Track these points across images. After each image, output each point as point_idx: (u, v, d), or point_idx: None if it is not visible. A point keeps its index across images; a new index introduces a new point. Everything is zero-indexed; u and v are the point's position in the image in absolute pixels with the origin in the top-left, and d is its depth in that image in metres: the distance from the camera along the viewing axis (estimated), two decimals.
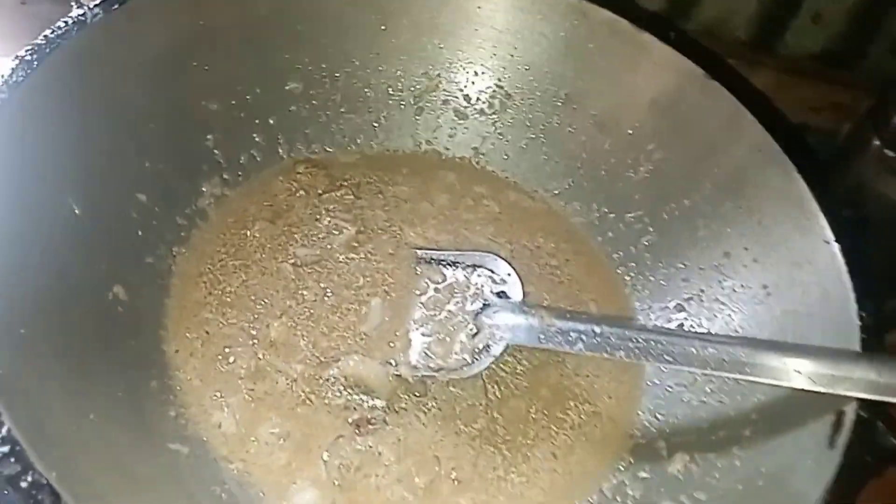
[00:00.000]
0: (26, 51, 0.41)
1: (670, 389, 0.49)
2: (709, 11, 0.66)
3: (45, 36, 0.42)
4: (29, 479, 0.28)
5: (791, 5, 0.66)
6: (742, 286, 0.50)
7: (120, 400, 0.40)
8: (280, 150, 0.56)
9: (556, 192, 0.59)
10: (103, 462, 0.34)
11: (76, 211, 0.42)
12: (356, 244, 0.53)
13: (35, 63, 0.41)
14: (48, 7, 0.76)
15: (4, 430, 0.29)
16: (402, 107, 0.59)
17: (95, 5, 0.45)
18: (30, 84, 0.40)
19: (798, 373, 0.40)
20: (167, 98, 0.50)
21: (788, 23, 0.68)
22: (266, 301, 0.49)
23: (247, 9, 0.52)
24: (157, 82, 0.49)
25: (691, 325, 0.51)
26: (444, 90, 0.60)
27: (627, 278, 0.55)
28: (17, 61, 0.41)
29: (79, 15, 0.44)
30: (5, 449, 0.28)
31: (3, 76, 0.40)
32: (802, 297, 0.46)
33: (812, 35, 0.66)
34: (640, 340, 0.44)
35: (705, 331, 0.50)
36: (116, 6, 0.45)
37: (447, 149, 0.60)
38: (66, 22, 0.43)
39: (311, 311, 0.49)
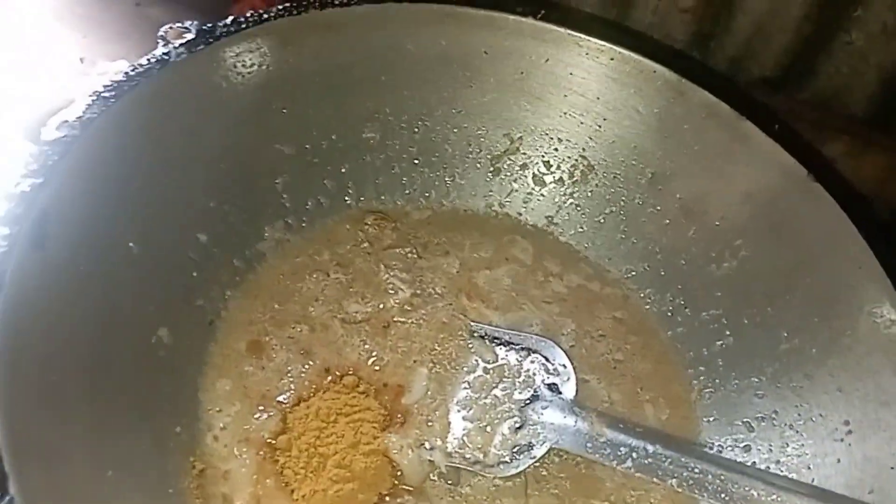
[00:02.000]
0: (105, 87, 0.41)
1: None
2: (825, 82, 0.61)
3: (126, 73, 0.42)
4: None
5: None
6: (821, 416, 0.45)
7: (142, 453, 0.39)
8: (348, 199, 0.55)
9: (630, 274, 0.55)
10: None
11: (134, 250, 0.42)
12: (410, 308, 0.51)
13: (112, 100, 0.41)
14: (160, 10, 0.78)
15: (7, 500, 0.28)
16: (479, 166, 0.57)
17: (181, 44, 0.44)
18: (102, 122, 0.40)
19: None
20: (242, 139, 0.49)
21: None
22: (309, 358, 0.47)
23: (332, 55, 0.51)
24: (233, 124, 0.48)
25: (759, 449, 0.47)
26: (524, 154, 0.57)
27: (696, 382, 0.51)
28: (94, 97, 0.41)
29: (163, 53, 0.44)
30: None
31: (77, 113, 0.40)
32: (889, 443, 0.41)
33: None
34: (697, 470, 0.40)
35: (774, 460, 0.45)
36: (201, 47, 0.45)
37: (520, 214, 0.58)
38: (148, 59, 0.43)
39: (352, 372, 0.47)
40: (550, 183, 0.58)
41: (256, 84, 0.49)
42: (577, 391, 0.47)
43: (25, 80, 0.69)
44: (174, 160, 0.45)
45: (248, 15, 0.47)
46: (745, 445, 0.48)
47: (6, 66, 0.70)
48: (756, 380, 0.49)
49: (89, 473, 0.34)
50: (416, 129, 0.56)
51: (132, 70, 0.43)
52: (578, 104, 0.55)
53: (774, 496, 0.38)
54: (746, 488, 0.39)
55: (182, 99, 0.45)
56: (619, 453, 0.42)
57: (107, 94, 0.41)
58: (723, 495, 0.39)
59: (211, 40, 0.46)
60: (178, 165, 0.46)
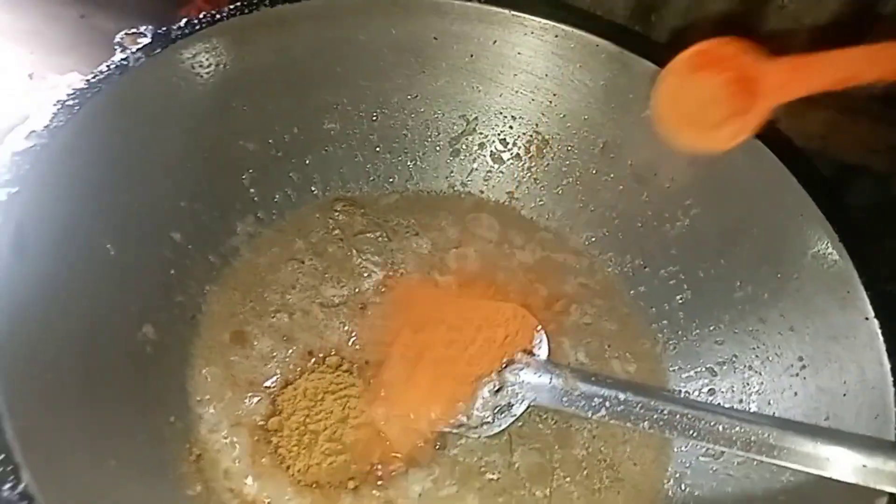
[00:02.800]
0: (68, 95, 0.42)
1: (698, 460, 0.47)
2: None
3: (87, 80, 0.43)
4: None
5: (848, 42, 0.64)
6: (777, 355, 0.48)
7: (141, 444, 0.40)
8: (314, 189, 0.57)
9: (591, 240, 0.58)
10: None
11: (111, 252, 0.43)
12: (384, 288, 0.53)
13: (76, 108, 0.42)
14: (106, 22, 0.78)
15: (21, 487, 0.29)
16: (438, 149, 0.59)
17: (138, 49, 0.45)
18: (69, 130, 0.41)
19: (829, 461, 0.38)
20: (206, 139, 0.50)
21: None
22: (291, 343, 0.49)
23: (285, 52, 0.52)
24: (196, 124, 0.49)
25: (722, 391, 0.50)
26: (481, 133, 0.59)
27: (660, 336, 0.54)
28: (58, 106, 0.41)
29: (121, 59, 0.45)
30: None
31: (44, 122, 0.41)
32: (839, 373, 0.44)
33: None
34: (666, 412, 0.43)
35: (737, 399, 0.49)
36: (158, 50, 0.46)
37: (482, 192, 0.60)
38: (108, 66, 0.44)
39: (335, 353, 0.49)
40: (508, 160, 0.60)
41: (215, 83, 0.50)
42: (549, 352, 0.49)
43: None
44: (142, 163, 0.46)
45: (202, 16, 0.48)
46: (710, 389, 0.51)
47: None
48: (715, 328, 0.52)
49: (92, 464, 0.36)
50: (375, 117, 0.57)
51: (93, 77, 0.43)
52: (528, 82, 0.57)
53: (738, 427, 0.41)
54: (712, 423, 0.42)
55: (144, 102, 0.46)
56: (593, 404, 0.45)
57: (70, 103, 0.42)
58: (691, 432, 0.42)
59: (167, 44, 0.47)
60: (146, 167, 0.47)
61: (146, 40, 0.46)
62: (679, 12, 0.60)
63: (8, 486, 0.29)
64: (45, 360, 0.36)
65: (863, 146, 0.65)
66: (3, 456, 0.30)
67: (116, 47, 0.45)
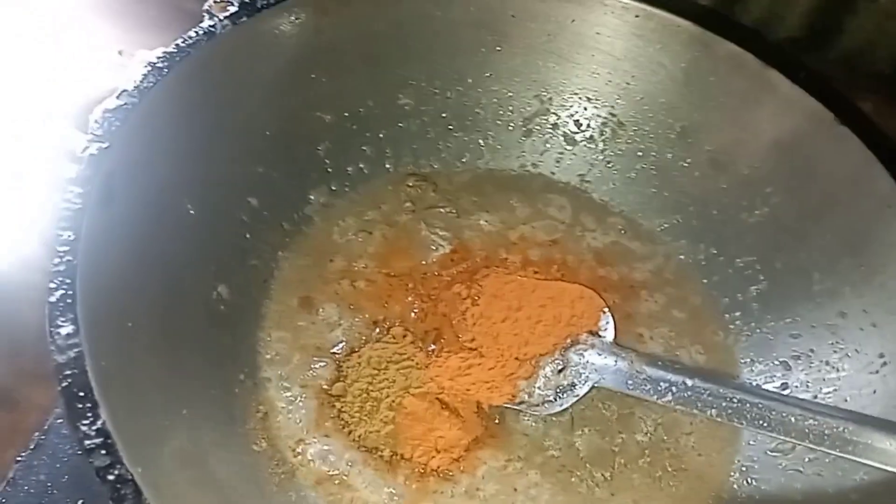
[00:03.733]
0: (158, 58, 0.44)
1: (766, 454, 0.46)
2: (850, 42, 0.61)
3: (176, 44, 0.45)
4: (116, 472, 0.30)
5: None
6: (856, 351, 0.46)
7: (212, 397, 0.42)
8: (387, 164, 0.57)
9: (664, 227, 0.57)
10: (189, 461, 0.36)
11: (191, 211, 0.45)
12: (451, 262, 0.53)
13: (165, 70, 0.43)
14: (195, 2, 0.81)
15: (99, 423, 0.30)
16: (511, 128, 0.59)
17: (225, 17, 0.47)
18: (158, 91, 0.42)
19: None
20: (285, 108, 0.51)
21: None
22: (358, 312, 0.50)
23: (365, 25, 0.53)
24: (276, 93, 0.50)
25: (796, 387, 0.48)
26: (555, 114, 0.59)
27: (732, 327, 0.52)
28: (148, 67, 0.43)
29: (209, 26, 0.46)
30: (98, 441, 0.30)
31: (134, 82, 0.42)
32: None
33: None
34: (735, 401, 0.42)
35: (811, 395, 0.47)
36: (244, 19, 0.47)
37: (553, 173, 0.60)
38: (196, 32, 0.46)
39: (399, 324, 0.50)
40: (581, 141, 0.59)
41: (296, 54, 0.51)
42: (615, 334, 0.48)
43: (67, 72, 0.72)
44: (223, 127, 0.48)
45: None
46: (783, 384, 0.49)
47: (48, 59, 0.73)
48: (791, 321, 0.50)
49: (165, 410, 0.37)
50: (449, 95, 0.57)
51: (182, 42, 0.45)
52: (606, 63, 0.56)
53: (811, 420, 0.40)
54: (784, 414, 0.40)
55: (229, 69, 0.47)
56: (659, 388, 0.44)
57: (160, 66, 0.44)
58: (761, 422, 0.41)
59: (253, 13, 0.48)
60: (227, 132, 0.48)
61: (233, 9, 0.47)
62: (764, 4, 0.58)
63: (86, 422, 0.31)
64: (127, 307, 0.38)
65: None
66: (83, 394, 0.31)
67: (204, 14, 0.47)
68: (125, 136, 0.40)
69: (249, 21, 0.47)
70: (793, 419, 0.40)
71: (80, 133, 0.65)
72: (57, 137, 0.63)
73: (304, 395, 0.46)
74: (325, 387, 0.47)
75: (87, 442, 0.30)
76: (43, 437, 0.49)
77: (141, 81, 0.42)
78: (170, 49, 0.45)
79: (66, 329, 0.33)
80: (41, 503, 0.47)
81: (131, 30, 0.79)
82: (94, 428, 0.30)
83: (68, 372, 0.32)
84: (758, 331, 0.51)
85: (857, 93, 0.58)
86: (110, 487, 0.29)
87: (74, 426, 0.30)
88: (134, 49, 0.75)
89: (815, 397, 0.47)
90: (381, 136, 0.57)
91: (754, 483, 0.46)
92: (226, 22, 0.47)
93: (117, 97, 0.41)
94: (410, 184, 0.56)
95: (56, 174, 0.59)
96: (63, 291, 0.34)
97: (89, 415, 0.31)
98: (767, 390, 0.48)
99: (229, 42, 0.47)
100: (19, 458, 0.49)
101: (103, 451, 0.30)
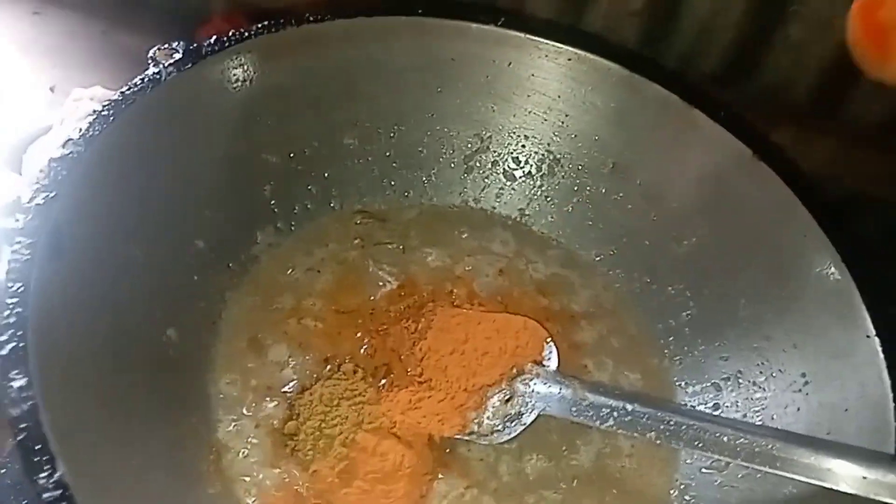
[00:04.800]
0: (103, 105, 0.44)
1: (702, 472, 0.49)
2: (769, 75, 0.66)
3: (122, 92, 0.45)
4: None
5: (855, 71, 0.66)
6: (780, 371, 0.50)
7: (164, 441, 0.42)
8: (332, 202, 0.59)
9: (600, 258, 0.60)
10: None
11: (140, 257, 0.45)
12: (398, 297, 0.55)
13: (111, 118, 0.44)
14: (128, 39, 0.81)
15: (57, 476, 0.30)
16: (453, 165, 0.61)
17: (170, 63, 0.47)
18: (104, 138, 0.43)
19: (830, 472, 0.40)
20: (231, 151, 0.52)
21: (851, 89, 0.68)
22: (308, 350, 0.51)
23: (309, 69, 0.55)
24: (222, 136, 0.51)
25: (727, 406, 0.51)
26: (495, 152, 0.61)
27: (666, 352, 0.55)
28: (94, 116, 0.43)
29: (154, 73, 0.47)
30: (56, 493, 0.30)
31: (80, 129, 0.42)
32: (840, 390, 0.46)
33: (877, 102, 0.65)
34: (672, 423, 0.44)
35: (741, 414, 0.50)
36: (189, 65, 0.48)
37: (494, 208, 0.62)
38: (141, 79, 0.46)
39: (350, 360, 0.51)
40: (520, 177, 0.62)
41: (242, 98, 0.52)
42: (559, 363, 0.51)
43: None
44: (170, 172, 0.48)
45: (231, 33, 0.51)
46: (715, 404, 0.52)
47: None
48: (720, 344, 0.53)
49: (120, 458, 0.37)
50: (392, 134, 0.59)
51: (127, 90, 0.45)
52: (542, 103, 0.59)
53: (742, 438, 0.42)
54: (717, 434, 0.43)
55: (175, 115, 0.48)
56: (602, 414, 0.46)
57: (105, 113, 0.44)
58: (697, 443, 0.43)
59: (197, 59, 0.49)
60: (174, 177, 0.49)
61: (178, 55, 0.48)
62: (687, 41, 0.62)
63: (44, 474, 0.31)
64: (77, 356, 0.38)
65: (867, 175, 0.66)
66: (40, 446, 0.31)
67: (150, 61, 0.47)
68: (72, 185, 0.40)
69: (195, 67, 0.48)
70: (725, 439, 0.43)
71: (13, 174, 0.65)
72: None
73: (256, 436, 0.46)
74: (277, 426, 0.47)
75: (45, 495, 0.30)
76: None
77: (86, 130, 0.43)
78: (114, 97, 0.45)
79: (19, 382, 0.33)
80: None
81: (63, 67, 0.78)
82: (51, 481, 0.30)
83: (23, 425, 0.32)
84: (690, 355, 0.54)
85: (778, 123, 0.62)
86: None
87: (32, 479, 0.30)
88: (66, 86, 0.75)
89: (745, 415, 0.50)
90: (326, 175, 0.58)
91: (693, 500, 0.48)
92: (171, 69, 0.47)
93: (62, 146, 0.42)
94: (358, 221, 0.58)
95: None
96: (14, 344, 0.33)
97: (47, 467, 0.31)
98: (702, 412, 0.51)
99: (175, 88, 0.48)
100: None
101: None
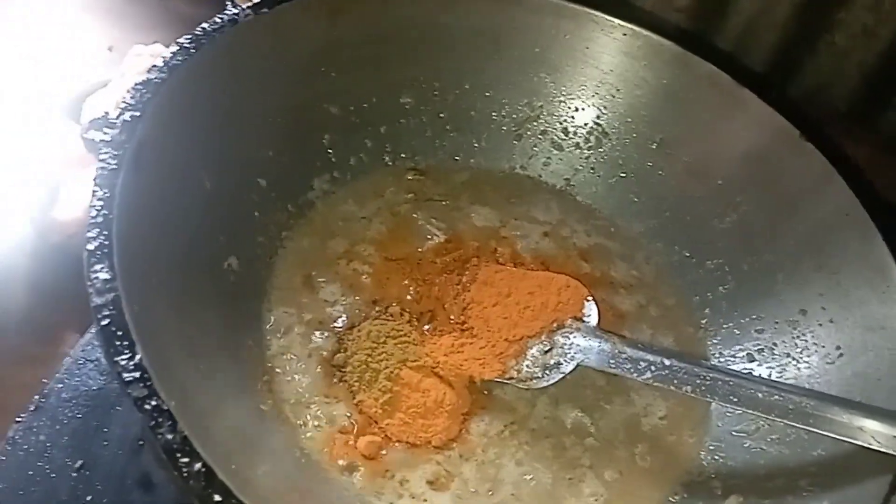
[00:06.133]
0: (186, 39, 0.46)
1: (733, 434, 0.50)
2: (810, 79, 0.67)
3: (203, 28, 0.48)
4: (153, 402, 0.32)
5: (894, 82, 0.67)
6: (815, 344, 0.51)
7: (223, 357, 0.44)
8: (386, 157, 0.61)
9: (641, 230, 0.61)
10: (210, 406, 0.38)
11: (207, 185, 0.47)
12: (444, 251, 0.56)
13: (192, 50, 0.46)
14: (183, 5, 0.84)
15: (137, 359, 0.33)
16: (503, 131, 0.63)
17: (248, 6, 0.50)
18: (185, 69, 0.45)
19: (862, 430, 0.41)
20: (296, 97, 0.54)
21: (891, 99, 0.69)
22: (357, 291, 0.53)
23: (375, 26, 0.57)
24: (289, 82, 0.54)
25: (759, 376, 0.52)
26: (545, 121, 0.63)
27: (703, 323, 0.56)
28: (177, 46, 0.46)
29: (233, 13, 0.49)
30: (136, 374, 0.32)
31: (164, 57, 0.45)
32: (874, 361, 0.47)
33: None
34: (709, 378, 0.45)
35: None
36: (265, 10, 0.50)
37: (540, 176, 0.63)
38: (221, 18, 0.49)
39: (397, 304, 0.53)
40: (568, 148, 0.63)
41: (310, 47, 0.54)
42: (599, 320, 0.52)
43: (59, 67, 0.74)
44: (239, 110, 0.51)
45: None
46: (748, 373, 0.53)
47: (40, 54, 0.75)
48: (756, 317, 0.54)
49: (187, 363, 0.39)
50: (448, 96, 0.61)
51: (209, 27, 0.48)
52: (594, 76, 0.61)
53: (776, 396, 0.44)
54: (752, 391, 0.44)
55: (248, 56, 0.50)
56: (639, 367, 0.47)
57: (188, 45, 0.46)
58: (731, 398, 0.44)
59: (273, 4, 0.51)
60: (242, 114, 0.51)
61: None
62: (731, 40, 0.63)
63: (124, 357, 0.33)
64: (152, 264, 0.40)
65: None
66: (120, 332, 0.34)
67: (228, 2, 0.50)
68: (155, 108, 0.43)
69: (271, 12, 0.51)
70: (760, 395, 0.44)
71: (74, 123, 0.68)
72: (51, 128, 0.66)
73: (307, 364, 0.48)
74: (326, 357, 0.49)
75: (125, 375, 0.32)
76: (43, 400, 0.51)
77: (169, 60, 0.45)
78: (197, 31, 0.47)
79: (104, 275, 0.35)
80: (40, 463, 0.48)
81: (121, 28, 0.81)
82: (132, 363, 0.33)
83: (106, 312, 0.34)
84: (725, 326, 0.56)
85: None
86: (148, 416, 0.31)
87: (113, 361, 0.33)
88: (124, 46, 0.78)
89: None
90: (382, 130, 0.60)
91: (721, 460, 0.49)
92: (248, 11, 0.50)
93: (147, 71, 0.44)
94: (410, 177, 0.60)
95: (51, 164, 0.61)
96: (101, 241, 0.36)
97: (127, 352, 0.33)
98: (737, 371, 0.52)
99: (251, 30, 0.50)
100: (19, 419, 0.50)
101: (141, 384, 0.32)
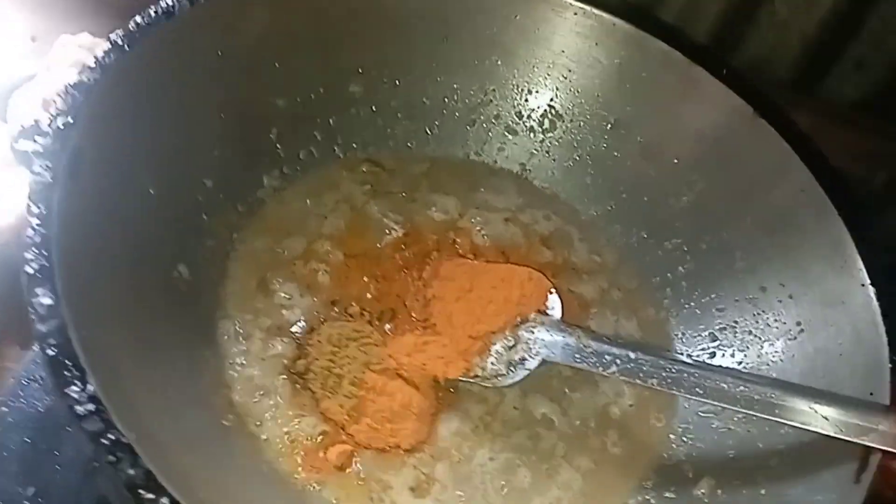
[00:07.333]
0: (119, 34, 0.43)
1: (700, 415, 0.50)
2: (753, 49, 0.67)
3: (137, 22, 0.44)
4: (111, 436, 0.30)
5: (834, 50, 0.68)
6: (776, 321, 0.51)
7: (181, 372, 0.42)
8: (336, 149, 0.59)
9: (599, 213, 0.60)
10: (171, 432, 0.36)
11: (151, 191, 0.44)
12: (403, 246, 0.55)
13: (126, 47, 0.43)
14: None
15: (90, 389, 0.30)
16: (456, 116, 0.61)
17: None
18: (119, 68, 0.42)
19: (826, 419, 0.41)
20: (239, 91, 0.52)
21: (831, 68, 0.70)
22: (315, 292, 0.51)
23: (319, 12, 0.54)
24: (232, 75, 0.51)
25: (723, 355, 0.53)
26: (498, 105, 0.61)
27: (664, 303, 0.56)
28: (109, 45, 0.43)
29: (168, 5, 0.46)
30: (90, 407, 0.30)
31: (96, 57, 0.42)
32: (835, 336, 0.47)
33: (853, 82, 0.67)
34: (674, 371, 0.45)
35: (737, 361, 0.51)
36: (202, 0, 0.47)
37: (495, 161, 0.62)
38: (155, 11, 0.45)
39: (356, 304, 0.51)
40: (522, 132, 0.62)
41: (253, 38, 0.51)
42: (562, 313, 0.52)
43: None
44: (180, 107, 0.48)
45: None
46: (711, 353, 0.53)
47: None
48: (716, 296, 0.55)
49: (144, 384, 0.37)
50: (398, 83, 0.59)
51: (142, 20, 0.45)
52: (546, 57, 0.60)
53: (741, 387, 0.44)
54: (717, 382, 0.44)
55: (188, 49, 0.47)
56: (605, 361, 0.47)
57: (121, 42, 0.43)
58: (697, 390, 0.44)
59: None
60: (184, 113, 0.48)
61: None
62: (674, 12, 0.62)
63: (76, 388, 0.31)
64: (98, 280, 0.37)
65: (844, 151, 0.68)
66: (69, 362, 0.31)
67: None
68: (89, 112, 0.40)
69: (208, 3, 0.48)
70: (725, 386, 0.44)
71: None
72: None
73: (266, 373, 0.47)
74: (286, 364, 0.47)
75: (77, 408, 0.30)
76: None
77: (102, 58, 0.42)
78: (129, 27, 0.44)
79: (47, 300, 0.32)
80: None
81: (44, 17, 0.76)
82: (84, 394, 0.30)
83: (52, 341, 0.31)
84: (686, 306, 0.56)
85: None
86: (106, 451, 0.29)
87: (62, 393, 0.30)
88: (47, 35, 0.73)
89: (741, 363, 0.52)
90: (331, 121, 0.58)
91: (690, 442, 0.50)
92: (184, 2, 0.47)
93: (79, 73, 0.41)
94: (364, 169, 0.58)
95: None
96: (41, 263, 0.33)
97: (78, 382, 0.31)
98: (703, 362, 0.52)
99: (188, 23, 0.47)
100: None
101: (96, 417, 0.30)
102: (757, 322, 0.52)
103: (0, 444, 0.48)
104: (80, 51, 0.67)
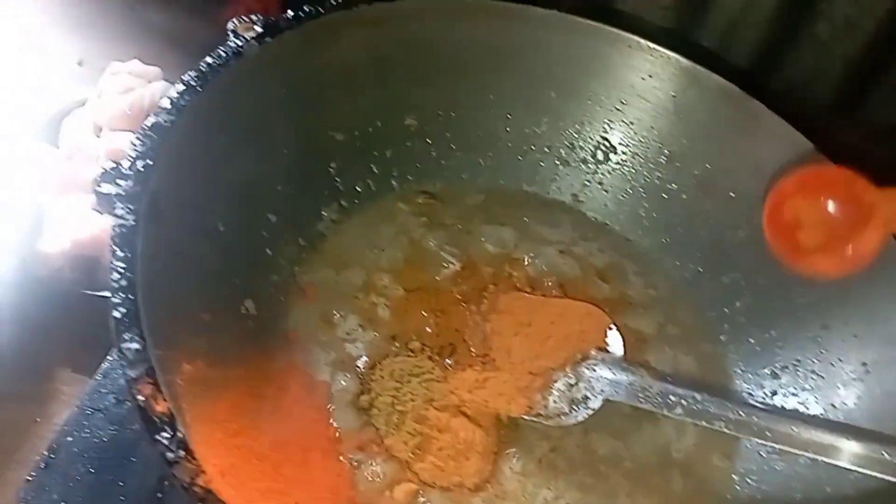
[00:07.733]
0: (192, 76, 0.44)
1: (763, 455, 0.50)
2: (795, 71, 0.66)
3: (208, 63, 0.45)
4: (202, 483, 0.30)
5: (876, 72, 0.67)
6: (840, 360, 0.51)
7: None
8: (393, 182, 0.59)
9: (653, 246, 0.60)
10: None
11: (220, 228, 0.45)
12: (460, 279, 0.55)
13: (199, 88, 0.44)
14: (154, 14, 0.80)
15: (179, 435, 0.31)
16: (509, 147, 0.62)
17: (251, 37, 0.47)
18: (193, 109, 0.43)
19: None
20: (301, 126, 0.53)
21: (873, 90, 0.69)
22: (375, 326, 0.51)
23: (376, 48, 0.55)
24: (295, 111, 0.52)
25: (785, 394, 0.52)
26: (550, 137, 0.62)
27: (722, 338, 0.56)
28: (183, 85, 0.43)
29: (236, 46, 0.47)
30: (179, 454, 0.31)
31: (170, 98, 0.42)
32: None
33: None
34: (741, 414, 0.45)
35: (800, 402, 0.51)
36: (268, 39, 0.48)
37: (547, 193, 0.62)
38: (225, 52, 0.46)
39: (417, 339, 0.51)
40: (574, 163, 0.62)
41: (313, 74, 0.52)
42: (624, 350, 0.51)
43: (28, 84, 0.70)
44: (250, 145, 0.49)
45: (307, 9, 0.51)
46: (772, 391, 0.53)
47: (10, 70, 0.71)
48: (776, 333, 0.54)
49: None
50: (452, 115, 0.60)
51: (213, 60, 0.45)
52: (599, 90, 0.60)
53: (809, 432, 0.43)
54: (784, 427, 0.44)
55: (255, 88, 0.48)
56: (669, 402, 0.47)
57: (194, 83, 0.44)
58: (766, 433, 0.44)
59: (275, 33, 0.49)
60: (250, 150, 0.49)
61: (259, 29, 0.48)
62: (715, 37, 0.62)
63: (166, 435, 0.31)
64: (178, 323, 0.38)
65: (889, 176, 0.67)
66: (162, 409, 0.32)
67: (230, 33, 0.47)
68: (166, 153, 0.40)
69: (274, 42, 0.48)
70: (792, 431, 0.44)
71: (48, 146, 0.64)
72: (27, 151, 0.62)
73: (335, 407, 0.47)
74: (351, 400, 0.47)
75: (168, 455, 0.30)
76: (52, 456, 0.48)
77: (177, 99, 0.43)
78: (201, 67, 0.45)
79: (135, 345, 0.33)
80: None
81: (90, 41, 0.78)
82: (173, 442, 0.31)
83: (141, 387, 0.32)
84: (746, 342, 0.55)
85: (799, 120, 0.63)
86: (198, 498, 0.30)
87: (153, 439, 0.31)
88: (94, 60, 0.74)
89: (804, 402, 0.51)
90: (387, 154, 0.58)
91: (755, 484, 0.49)
92: (253, 43, 0.47)
93: (155, 115, 0.42)
94: (420, 201, 0.58)
95: (32, 191, 0.58)
96: (127, 308, 0.34)
97: (167, 428, 0.31)
98: (769, 405, 0.51)
99: (256, 63, 0.48)
100: (29, 478, 0.47)
101: (187, 463, 0.30)
102: (820, 361, 0.51)
103: (65, 473, 0.48)
104: (130, 78, 0.68)
